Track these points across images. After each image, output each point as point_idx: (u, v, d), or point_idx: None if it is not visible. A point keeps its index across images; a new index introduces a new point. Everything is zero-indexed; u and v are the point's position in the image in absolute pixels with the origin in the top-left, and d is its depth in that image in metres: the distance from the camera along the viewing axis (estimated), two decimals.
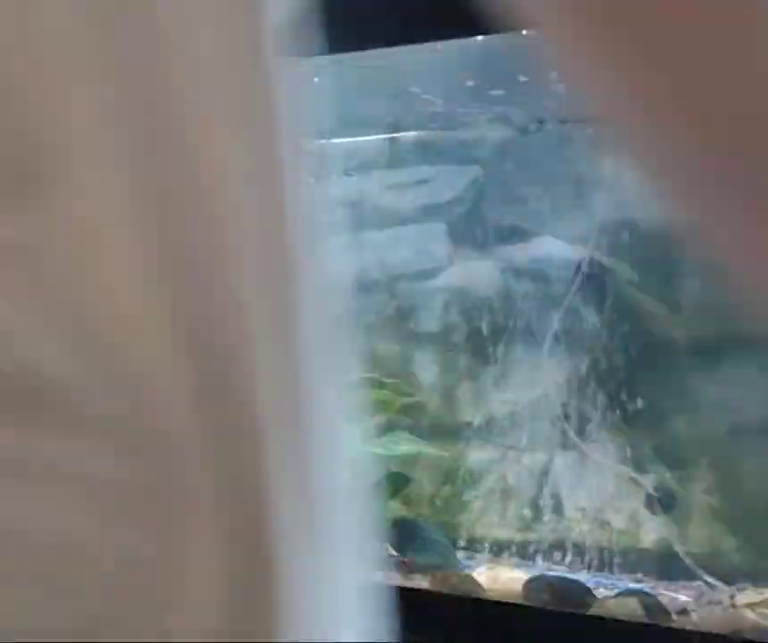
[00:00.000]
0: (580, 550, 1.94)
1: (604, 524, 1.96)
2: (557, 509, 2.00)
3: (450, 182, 2.16)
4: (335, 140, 2.31)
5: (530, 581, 1.64)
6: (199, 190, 0.47)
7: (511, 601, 1.61)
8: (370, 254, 2.23)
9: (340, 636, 0.55)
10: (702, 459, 1.90)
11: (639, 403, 1.93)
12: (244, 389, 0.47)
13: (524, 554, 1.97)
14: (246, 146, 0.49)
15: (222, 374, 0.47)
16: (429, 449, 1.90)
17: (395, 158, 2.22)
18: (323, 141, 2.20)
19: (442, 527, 1.97)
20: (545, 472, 2.02)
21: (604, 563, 1.91)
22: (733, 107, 0.39)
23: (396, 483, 1.93)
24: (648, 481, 1.92)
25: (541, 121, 2.02)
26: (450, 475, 2.12)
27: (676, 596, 1.74)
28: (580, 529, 1.97)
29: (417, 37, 1.62)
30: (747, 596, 1.68)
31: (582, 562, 1.92)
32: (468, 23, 1.56)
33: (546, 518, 1.99)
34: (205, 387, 0.46)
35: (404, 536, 1.86)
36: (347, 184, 2.27)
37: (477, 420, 2.10)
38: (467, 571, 1.74)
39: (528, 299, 2.03)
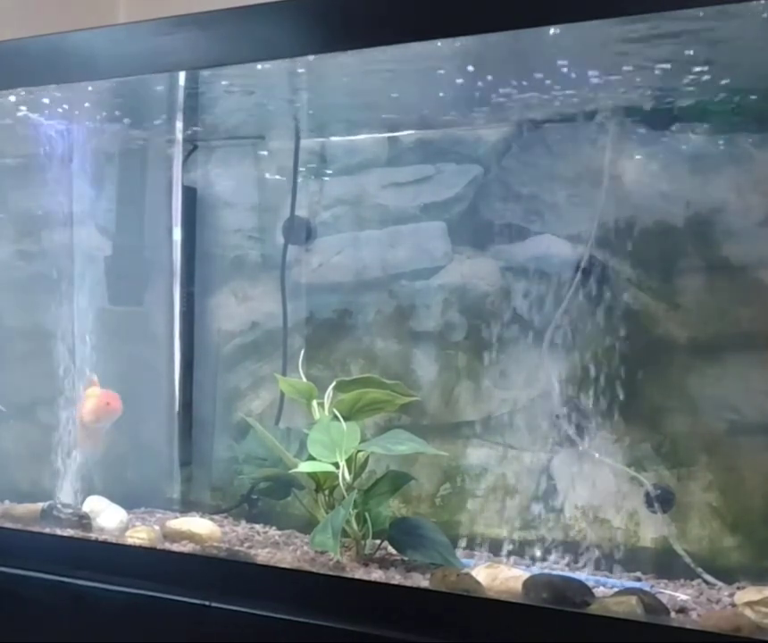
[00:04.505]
0: (579, 549, 1.94)
1: (603, 523, 1.96)
2: (557, 508, 2.00)
3: (450, 181, 2.16)
4: (335, 139, 2.31)
5: (529, 580, 1.64)
6: None
7: (510, 600, 1.61)
8: (370, 253, 2.23)
9: None
10: (701, 458, 1.90)
11: (639, 403, 1.93)
12: None
13: (523, 552, 1.97)
14: None
15: None
16: (428, 449, 1.90)
17: (395, 157, 2.22)
18: (323, 140, 2.20)
19: (442, 526, 1.97)
20: (544, 472, 2.02)
21: (603, 562, 1.91)
22: None
23: (396, 482, 1.93)
24: (648, 480, 1.93)
25: (541, 121, 2.02)
26: (450, 474, 2.12)
27: (675, 594, 1.74)
28: (579, 527, 1.97)
29: (417, 36, 1.62)
30: (747, 594, 1.68)
31: (581, 560, 1.92)
32: (468, 23, 1.57)
33: (545, 517, 2.00)
34: None
35: (404, 535, 1.86)
36: (347, 183, 2.27)
37: (477, 419, 2.10)
38: (467, 569, 1.75)
39: (527, 298, 2.03)
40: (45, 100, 2.13)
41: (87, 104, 2.18)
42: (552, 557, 1.95)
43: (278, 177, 2.36)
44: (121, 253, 2.48)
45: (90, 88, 2.03)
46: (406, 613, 1.61)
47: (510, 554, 1.98)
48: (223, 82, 1.95)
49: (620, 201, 1.94)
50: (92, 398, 2.23)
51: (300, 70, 1.87)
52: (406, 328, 2.19)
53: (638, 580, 1.85)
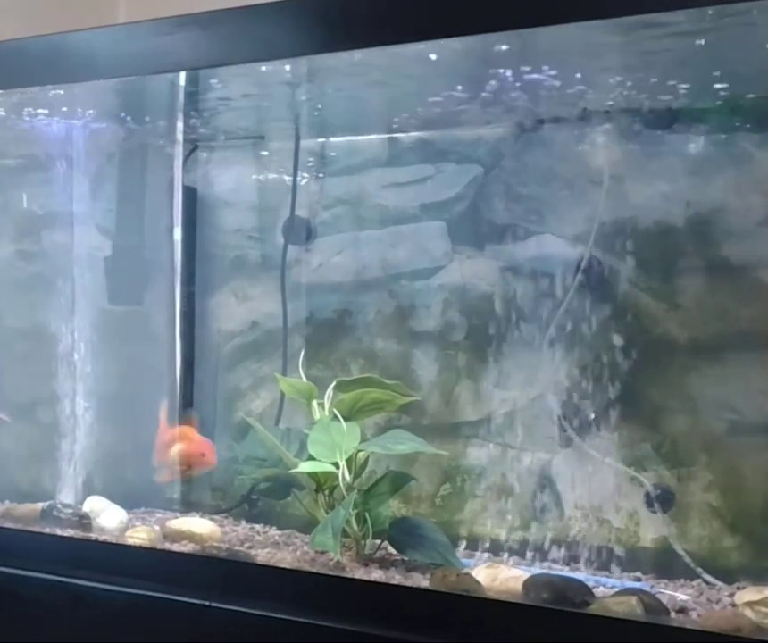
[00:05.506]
0: (579, 549, 1.94)
1: (603, 523, 1.96)
2: (557, 508, 2.00)
3: (450, 181, 2.16)
4: (335, 139, 2.31)
5: (529, 580, 1.64)
6: None
7: (510, 600, 1.61)
8: (370, 253, 2.23)
9: None
10: (701, 458, 1.90)
11: (640, 402, 1.93)
12: None
13: (524, 552, 1.97)
14: None
15: None
16: (429, 448, 1.90)
17: (395, 157, 2.22)
18: (324, 140, 2.20)
19: (442, 526, 1.97)
20: (544, 471, 2.02)
21: (603, 562, 1.91)
22: None
23: (396, 482, 1.93)
24: (648, 480, 1.93)
25: (541, 121, 2.02)
26: (450, 474, 2.12)
27: (675, 594, 1.74)
28: (579, 527, 1.97)
29: (417, 36, 1.62)
30: (747, 594, 1.68)
31: (581, 560, 1.92)
32: (468, 23, 1.57)
33: (545, 517, 2.00)
34: None
35: (404, 535, 1.86)
36: (348, 182, 2.27)
37: (476, 419, 2.10)
38: (467, 569, 1.75)
39: (527, 297, 2.03)
40: (45, 99, 2.13)
41: (87, 103, 2.18)
42: (552, 557, 1.95)
43: (278, 177, 2.36)
44: (122, 252, 2.48)
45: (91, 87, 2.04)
46: (406, 613, 1.61)
47: (510, 553, 1.98)
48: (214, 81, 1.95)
49: (619, 201, 1.94)
50: (187, 441, 2.09)
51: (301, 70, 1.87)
52: (406, 328, 2.18)
53: (638, 580, 1.85)
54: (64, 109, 2.20)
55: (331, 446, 1.86)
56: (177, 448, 2.06)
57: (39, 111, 2.20)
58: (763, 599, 1.57)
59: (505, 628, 1.55)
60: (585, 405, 1.96)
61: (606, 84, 1.79)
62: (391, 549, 1.87)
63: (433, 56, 1.71)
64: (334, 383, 1.96)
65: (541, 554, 1.96)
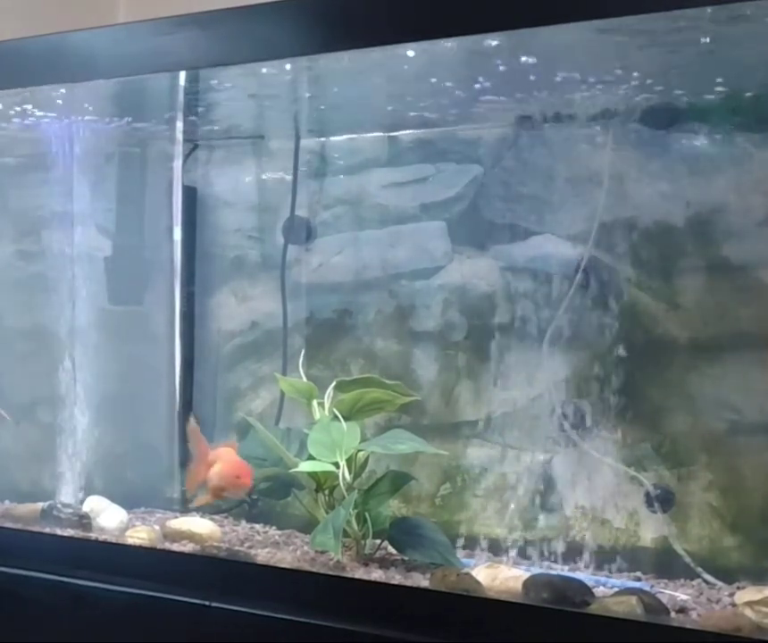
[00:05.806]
0: (579, 548, 1.94)
1: (603, 523, 1.96)
2: (557, 508, 2.00)
3: (450, 180, 2.15)
4: (335, 138, 2.31)
5: (529, 580, 1.64)
6: None
7: (510, 600, 1.61)
8: (370, 253, 2.23)
9: None
10: (701, 458, 1.90)
11: (639, 402, 1.93)
12: None
13: (523, 552, 1.97)
14: None
15: None
16: (429, 448, 1.90)
17: (395, 156, 2.22)
18: (323, 140, 2.20)
19: (442, 525, 1.97)
20: (544, 471, 2.02)
21: (603, 562, 1.91)
22: None
23: (397, 482, 1.93)
24: (648, 480, 1.93)
25: (541, 121, 2.01)
26: (450, 474, 2.12)
27: (675, 594, 1.74)
28: (579, 527, 1.97)
29: (417, 36, 1.62)
30: (747, 594, 1.68)
31: (581, 560, 1.92)
32: (468, 23, 1.57)
33: (545, 516, 2.00)
34: None
35: (404, 535, 1.86)
36: (347, 182, 2.27)
37: (476, 419, 2.10)
38: (467, 569, 1.75)
39: (527, 298, 2.03)
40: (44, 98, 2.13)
41: (87, 102, 2.18)
42: (552, 557, 1.95)
43: (278, 177, 2.36)
44: (122, 252, 2.48)
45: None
46: (406, 613, 1.61)
47: (509, 553, 1.98)
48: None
49: (619, 201, 1.94)
50: (224, 462, 1.96)
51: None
52: (406, 328, 2.18)
53: (638, 579, 1.85)
54: (61, 104, 2.20)
55: (331, 446, 1.86)
56: (215, 469, 1.99)
57: (31, 108, 2.20)
58: (763, 599, 1.57)
59: (505, 628, 1.55)
60: (585, 405, 1.96)
61: (607, 81, 1.79)
62: (391, 549, 1.87)
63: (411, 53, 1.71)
64: (334, 383, 1.96)
65: (541, 553, 1.96)
